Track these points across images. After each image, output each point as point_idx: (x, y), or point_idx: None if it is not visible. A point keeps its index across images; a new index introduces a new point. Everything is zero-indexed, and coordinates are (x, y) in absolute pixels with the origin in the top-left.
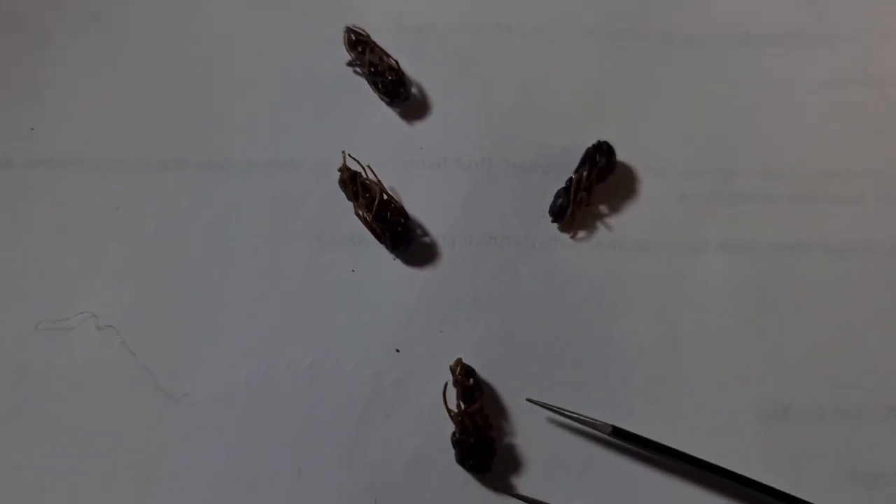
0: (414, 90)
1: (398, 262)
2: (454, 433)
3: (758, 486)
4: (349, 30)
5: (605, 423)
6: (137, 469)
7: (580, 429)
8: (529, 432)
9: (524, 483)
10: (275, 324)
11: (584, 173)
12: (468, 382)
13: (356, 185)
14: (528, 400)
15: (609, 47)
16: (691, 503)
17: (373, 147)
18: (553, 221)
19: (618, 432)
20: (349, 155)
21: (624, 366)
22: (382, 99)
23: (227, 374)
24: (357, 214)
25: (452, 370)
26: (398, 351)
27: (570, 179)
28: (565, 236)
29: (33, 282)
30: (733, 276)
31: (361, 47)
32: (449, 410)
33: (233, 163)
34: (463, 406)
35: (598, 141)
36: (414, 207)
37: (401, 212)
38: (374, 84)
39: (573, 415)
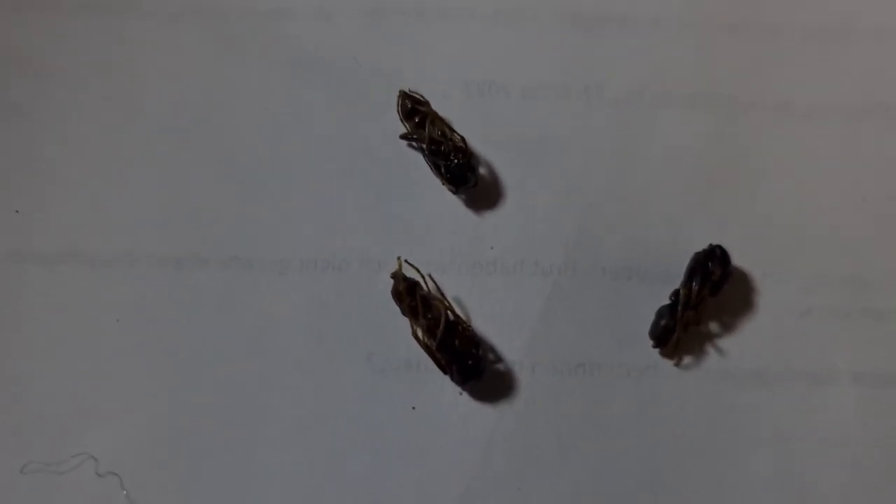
0: (482, 171)
1: (465, 396)
2: None
3: None
4: (405, 95)
5: None
6: None
7: None
8: None
9: None
10: (316, 470)
11: (695, 287)
12: None
13: (415, 300)
14: None
15: (717, 119)
16: None
17: (433, 246)
18: (654, 346)
19: None
20: (406, 261)
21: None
22: (445, 185)
23: None
24: (415, 337)
25: None
26: None
27: (677, 293)
28: (668, 363)
29: (18, 409)
30: (868, 415)
31: (420, 117)
32: None
33: (263, 261)
34: None
35: (711, 245)
36: (483, 323)
37: (472, 338)
38: (434, 165)
39: None
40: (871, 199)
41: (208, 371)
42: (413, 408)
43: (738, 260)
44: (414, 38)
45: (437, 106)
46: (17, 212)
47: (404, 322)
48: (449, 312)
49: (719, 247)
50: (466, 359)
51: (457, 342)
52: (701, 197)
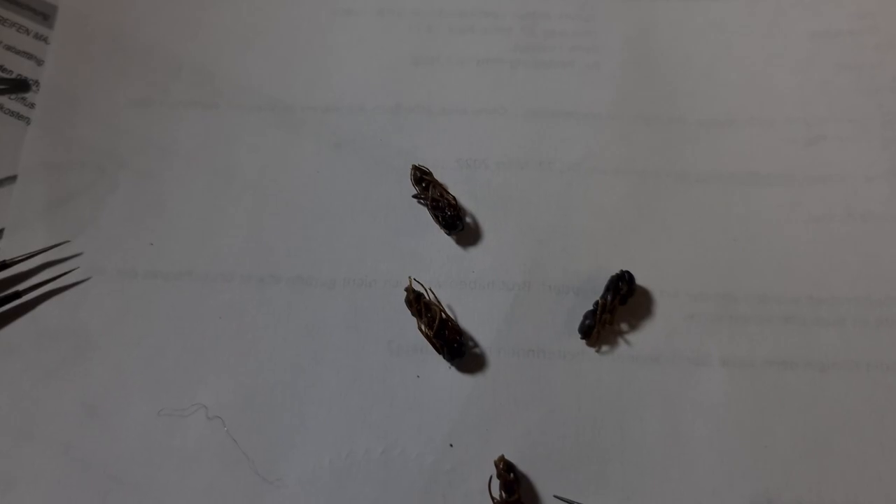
0: (468, 220)
1: (453, 370)
2: None
3: None
4: (415, 168)
5: None
6: None
7: None
8: None
9: None
10: (353, 418)
11: (609, 298)
12: (509, 477)
13: (420, 305)
14: (555, 496)
15: (632, 183)
16: None
17: (433, 269)
18: (581, 338)
19: None
20: (415, 279)
21: (637, 462)
22: (442, 228)
23: (313, 459)
24: (420, 330)
25: (496, 465)
26: (452, 445)
27: (597, 303)
28: (591, 351)
29: (155, 375)
30: (731, 388)
31: (425, 183)
32: (493, 499)
33: (317, 279)
34: (504, 496)
35: (622, 270)
36: (466, 322)
37: (457, 330)
38: (434, 216)
39: None
40: (740, 239)
41: (281, 353)
42: (418, 376)
43: (642, 281)
44: (423, 126)
45: (438, 175)
46: (152, 244)
47: (412, 321)
48: (442, 313)
49: (627, 271)
50: (453, 343)
51: (447, 333)
52: (618, 237)
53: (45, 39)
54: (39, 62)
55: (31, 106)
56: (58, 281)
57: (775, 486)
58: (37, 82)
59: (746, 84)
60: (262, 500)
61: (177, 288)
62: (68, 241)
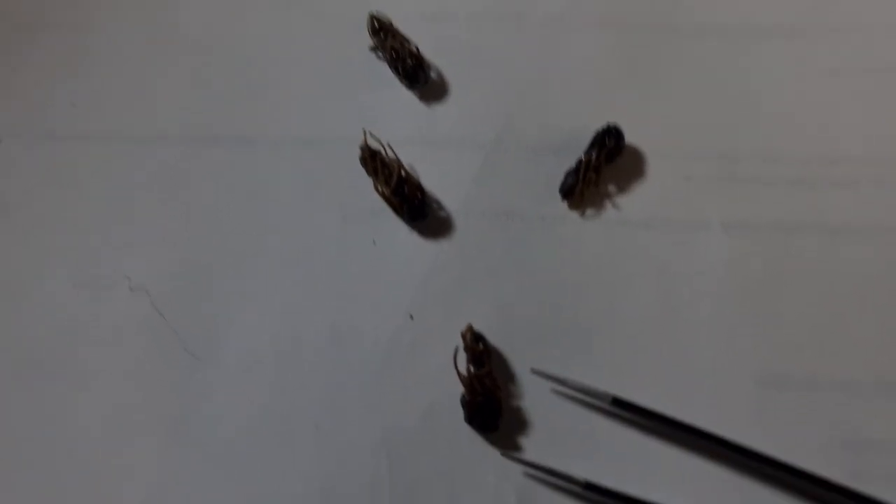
0: (433, 75)
1: (415, 234)
2: (463, 395)
3: (751, 454)
4: (372, 17)
5: (606, 394)
6: (163, 423)
7: (583, 398)
8: (535, 398)
9: (528, 445)
10: (298, 288)
11: (594, 154)
12: (478, 347)
13: (376, 162)
14: (532, 370)
15: (620, 37)
16: (687, 469)
17: (393, 127)
18: (563, 200)
19: (618, 402)
20: (370, 133)
21: (627, 336)
22: (402, 82)
23: (252, 336)
24: (377, 190)
25: (463, 336)
26: (412, 318)
27: (580, 160)
28: (574, 214)
29: (75, 243)
30: (733, 254)
31: (384, 33)
32: (459, 373)
33: (263, 140)
34: (472, 369)
35: (608, 124)
36: (431, 184)
37: (418, 187)
38: (394, 68)
39: (576, 385)
40: (742, 96)
41: (219, 220)
42: (374, 242)
43: (633, 139)
44: None
45: (400, 28)
46: (73, 105)
47: (369, 182)
48: (402, 170)
49: (615, 125)
50: (413, 200)
51: (406, 189)
52: (605, 94)
53: None
54: None
55: None
56: None
57: (784, 362)
58: None
59: None
60: (194, 380)
61: (102, 151)
62: None
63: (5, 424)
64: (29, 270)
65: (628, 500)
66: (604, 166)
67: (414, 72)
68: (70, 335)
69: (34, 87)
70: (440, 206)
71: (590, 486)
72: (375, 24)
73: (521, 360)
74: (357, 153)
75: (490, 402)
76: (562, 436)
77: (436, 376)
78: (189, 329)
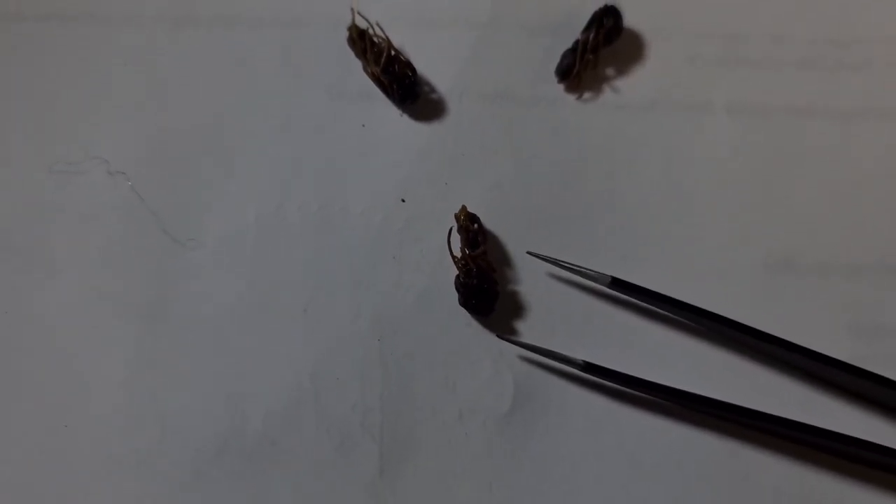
0: None
1: (406, 116)
2: (458, 276)
3: (758, 333)
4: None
5: (604, 274)
6: (143, 308)
7: (581, 281)
8: (531, 282)
9: (525, 330)
10: (284, 171)
11: (591, 35)
12: (472, 227)
13: (364, 43)
14: (528, 253)
15: None
16: (689, 352)
17: (381, 5)
18: (559, 82)
19: (617, 283)
20: (358, 13)
21: (628, 220)
22: None
23: (235, 216)
24: (365, 71)
25: (457, 217)
26: (404, 201)
27: (577, 41)
28: (571, 97)
29: (49, 127)
30: (740, 138)
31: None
32: (453, 255)
33: (244, 18)
34: (467, 251)
35: (606, 3)
36: (422, 65)
37: (408, 66)
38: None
39: (572, 266)
40: None
41: (197, 103)
42: (363, 125)
43: (633, 21)
44: None
45: None
46: None
47: (357, 64)
48: (391, 49)
49: (613, 5)
50: (404, 79)
51: (396, 68)
52: None
53: None
54: None
55: None
56: None
57: (793, 245)
58: None
59: None
60: (173, 263)
61: (73, 31)
62: None
63: None
64: (1, 153)
65: (628, 380)
66: (602, 48)
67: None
68: (43, 220)
69: None
70: (432, 88)
71: (589, 367)
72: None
73: (516, 244)
74: (343, 33)
75: (485, 283)
76: (559, 320)
77: (429, 260)
78: (169, 212)
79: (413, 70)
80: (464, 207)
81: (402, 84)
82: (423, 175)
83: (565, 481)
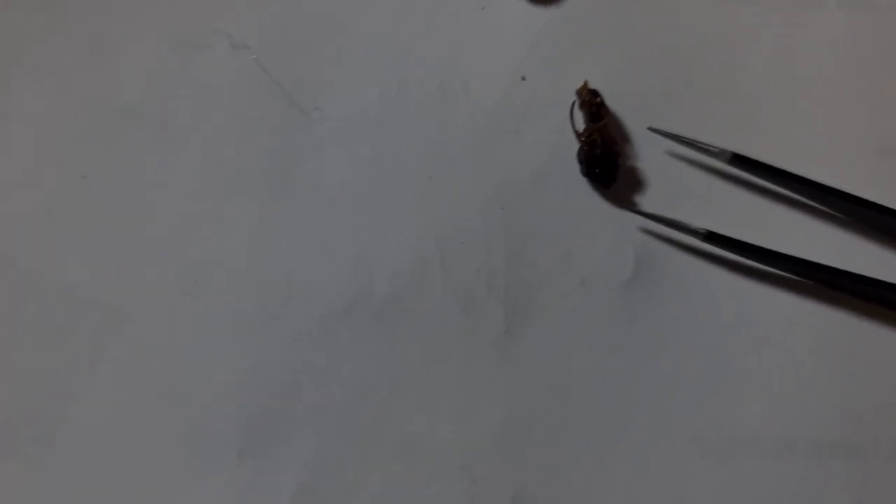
0: None
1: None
2: (581, 148)
3: (875, 206)
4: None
5: (725, 150)
6: (269, 177)
7: (701, 158)
8: (652, 158)
9: (646, 203)
10: (404, 47)
11: None
12: (595, 101)
13: None
14: (649, 129)
15: None
16: (807, 228)
17: None
18: None
19: (738, 158)
20: None
21: (743, 101)
22: None
23: (358, 92)
24: None
25: (579, 92)
26: (524, 79)
27: None
28: None
29: (171, 2)
30: (851, 32)
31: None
32: (574, 128)
33: None
34: (590, 123)
35: None
36: None
37: None
38: None
39: (694, 142)
40: None
41: None
42: (482, 8)
43: None
44: None
45: None
46: None
47: None
48: None
49: None
50: None
51: None
52: None
53: None
54: None
55: None
56: None
57: None
58: None
59: None
60: (298, 134)
61: None
62: None
63: (97, 173)
64: (124, 28)
65: (749, 249)
66: None
67: None
68: (169, 94)
69: None
70: None
71: (711, 236)
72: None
73: (637, 121)
74: None
75: (608, 154)
76: (679, 194)
77: (551, 136)
78: (293, 86)
79: None
80: (586, 82)
81: None
82: (543, 56)
83: (683, 348)
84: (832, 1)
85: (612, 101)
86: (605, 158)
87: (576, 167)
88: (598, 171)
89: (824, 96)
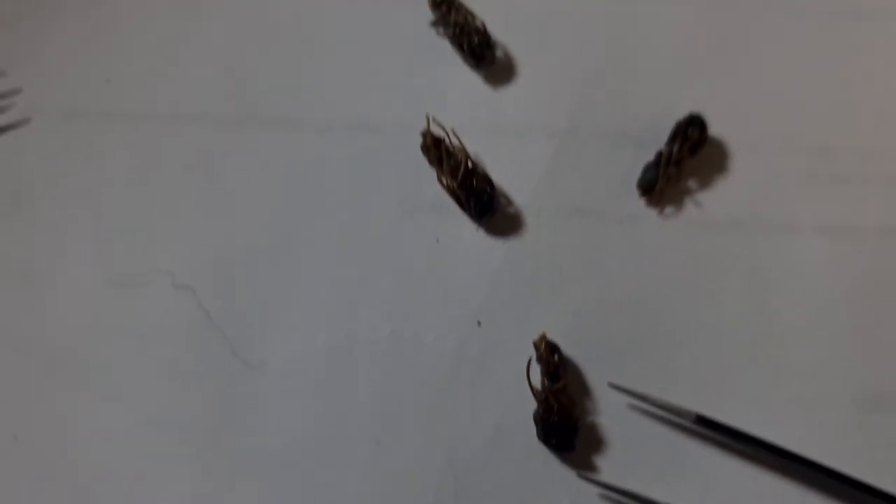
0: (499, 52)
1: (481, 231)
2: (537, 411)
3: (849, 481)
4: None
5: (689, 411)
6: (208, 432)
7: (664, 415)
8: (612, 414)
9: (606, 465)
10: (354, 290)
11: (675, 147)
12: (553, 359)
13: (440, 151)
14: (610, 385)
15: (703, 10)
16: (778, 496)
17: (456, 111)
18: (641, 196)
19: (702, 421)
20: (433, 120)
21: (712, 348)
22: (467, 62)
23: (303, 340)
24: (440, 182)
25: (536, 346)
26: (480, 324)
27: (660, 153)
28: (653, 212)
29: (107, 235)
30: (830, 260)
31: (446, 6)
32: (532, 388)
33: (310, 122)
34: (547, 384)
35: (691, 113)
36: (498, 175)
37: (486, 180)
38: (458, 46)
39: (656, 402)
40: (839, 81)
41: (264, 211)
42: (437, 241)
43: (717, 129)
44: None
45: None
46: (108, 81)
47: (431, 173)
48: (468, 160)
49: (698, 115)
50: (482, 195)
51: (475, 182)
52: (687, 75)
53: None
54: None
55: None
56: None
57: (887, 381)
58: None
59: None
60: (240, 386)
61: (135, 131)
62: (3, 75)
63: (28, 432)
64: (56, 264)
65: None
66: (686, 160)
67: (480, 50)
68: (103, 338)
69: (63, 58)
70: (509, 201)
71: None
72: None
73: (597, 373)
74: (416, 139)
75: (566, 419)
76: (642, 456)
77: (506, 389)
78: (236, 331)
79: (491, 184)
80: (543, 336)
81: (479, 200)
82: (500, 296)
83: None
84: (809, 226)
85: (572, 350)
86: (563, 426)
87: (532, 426)
88: (554, 440)
89: (799, 336)
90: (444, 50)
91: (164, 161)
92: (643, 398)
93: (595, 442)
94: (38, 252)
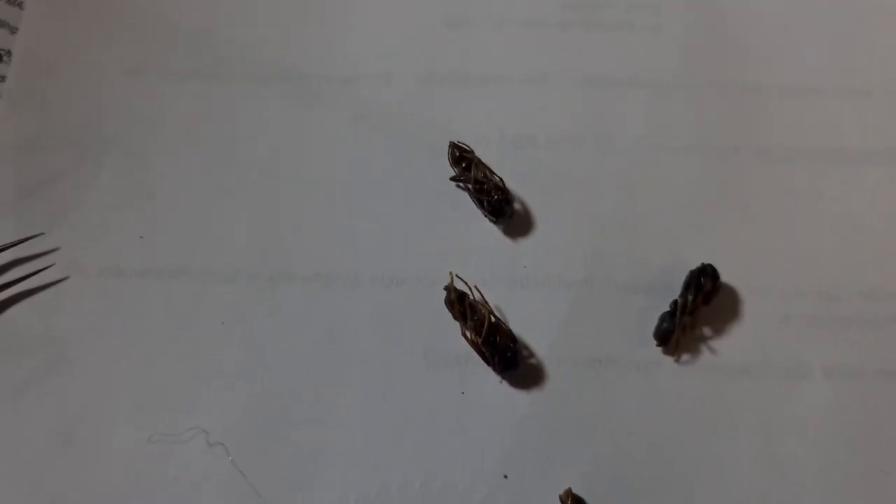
0: (517, 206)
1: (505, 384)
2: None
3: None
4: (454, 145)
5: None
6: None
7: None
8: None
9: None
10: (383, 444)
11: (690, 298)
12: None
13: (464, 307)
14: None
15: (708, 162)
16: None
17: (477, 264)
18: (658, 345)
19: None
20: (457, 276)
21: (727, 489)
22: (486, 216)
23: (336, 495)
24: (464, 336)
25: (563, 501)
26: (506, 477)
27: (675, 303)
28: (669, 360)
29: (145, 393)
30: (838, 404)
31: (466, 163)
32: None
33: (339, 277)
34: None
35: (703, 264)
36: (518, 326)
37: (510, 336)
38: (478, 201)
39: None
40: (839, 226)
41: (295, 366)
42: (462, 393)
43: (726, 277)
44: (459, 97)
45: (479, 153)
46: (142, 237)
47: (454, 325)
48: (491, 316)
49: (710, 265)
50: (506, 352)
51: (498, 339)
52: (695, 225)
53: (19, 4)
54: (13, 30)
55: (2, 79)
56: (29, 281)
57: None
58: (9, 52)
59: (835, 46)
60: None
61: (170, 289)
62: (42, 234)
63: None
64: (99, 422)
65: None
66: (700, 309)
67: (499, 206)
68: (143, 496)
69: (100, 218)
70: (531, 353)
71: None
72: (457, 152)
73: None
74: (439, 292)
75: None
76: None
77: None
78: (270, 488)
79: (514, 340)
80: (569, 491)
81: (503, 356)
82: (525, 448)
83: None
84: (817, 370)
85: (595, 497)
86: None
87: None
88: None
89: (811, 481)
90: (464, 203)
91: (196, 318)
92: None
93: None
94: (78, 412)
